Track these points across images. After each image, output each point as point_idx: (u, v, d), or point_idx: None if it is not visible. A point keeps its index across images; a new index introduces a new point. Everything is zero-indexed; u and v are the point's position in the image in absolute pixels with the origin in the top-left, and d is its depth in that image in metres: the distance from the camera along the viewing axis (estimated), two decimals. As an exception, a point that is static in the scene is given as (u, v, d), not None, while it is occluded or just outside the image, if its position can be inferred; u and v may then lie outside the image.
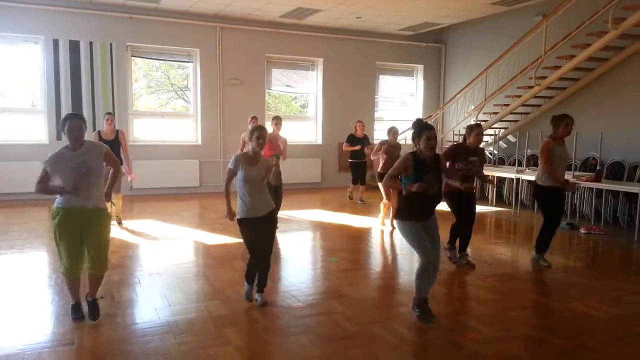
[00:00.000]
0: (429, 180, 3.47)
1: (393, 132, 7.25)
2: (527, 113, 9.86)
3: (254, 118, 7.93)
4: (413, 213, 3.59)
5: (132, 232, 6.71)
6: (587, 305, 4.17)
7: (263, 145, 3.91)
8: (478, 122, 5.59)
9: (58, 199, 3.49)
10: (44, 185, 3.47)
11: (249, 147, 4.01)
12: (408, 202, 3.62)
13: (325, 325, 3.67)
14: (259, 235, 3.96)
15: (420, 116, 12.28)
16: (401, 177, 3.64)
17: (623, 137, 8.01)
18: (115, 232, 6.57)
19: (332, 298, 4.24)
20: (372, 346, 3.32)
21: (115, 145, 6.70)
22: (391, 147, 7.16)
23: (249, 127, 7.54)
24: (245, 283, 4.09)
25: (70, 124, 3.45)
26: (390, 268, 5.52)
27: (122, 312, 3.91)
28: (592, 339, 3.53)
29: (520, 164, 8.93)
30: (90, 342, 3.35)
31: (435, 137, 3.56)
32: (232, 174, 3.95)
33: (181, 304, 4.06)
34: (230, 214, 4.04)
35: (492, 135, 10.22)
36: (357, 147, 9.13)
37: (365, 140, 9.33)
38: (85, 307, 3.69)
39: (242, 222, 3.97)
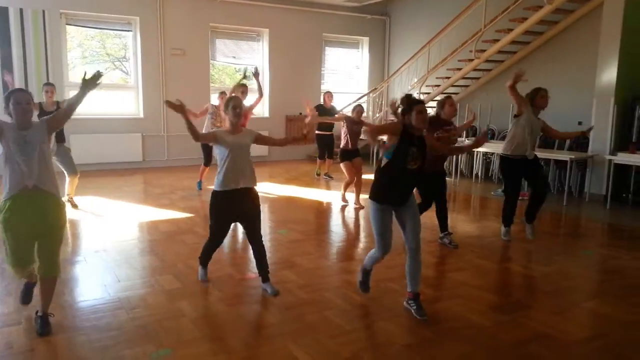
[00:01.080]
0: (414, 153, 3.27)
1: (357, 110, 6.92)
2: (467, 86, 10.22)
3: (223, 93, 7.59)
4: (386, 194, 3.35)
5: (75, 209, 6.48)
6: (521, 265, 4.50)
7: (240, 115, 3.69)
8: (448, 95, 5.54)
9: (5, 186, 2.97)
10: None
11: (225, 122, 3.74)
12: (382, 180, 3.36)
13: (279, 294, 3.76)
14: (240, 212, 3.72)
15: (366, 89, 12.45)
16: (380, 150, 3.45)
17: (554, 108, 8.36)
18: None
19: (284, 268, 4.33)
20: (325, 311, 3.45)
21: None
22: (352, 123, 6.82)
23: (217, 102, 7.43)
24: (200, 266, 3.97)
25: (25, 96, 3.03)
26: (339, 237, 5.67)
27: (69, 290, 3.83)
28: (526, 295, 3.84)
29: (459, 136, 9.28)
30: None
31: (426, 110, 3.37)
32: (212, 136, 3.70)
33: (131, 280, 4.02)
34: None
35: (433, 107, 10.50)
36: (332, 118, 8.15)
37: (334, 111, 9.22)
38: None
39: (216, 195, 3.69)
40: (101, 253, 4.70)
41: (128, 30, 10.05)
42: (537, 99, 5.08)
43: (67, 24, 9.48)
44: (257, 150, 11.13)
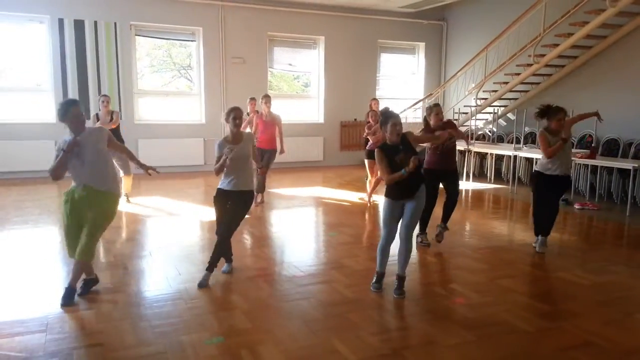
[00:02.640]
0: (401, 159, 3.70)
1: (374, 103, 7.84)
2: (526, 91, 9.99)
3: (253, 100, 7.94)
4: (391, 192, 3.86)
5: (141, 208, 6.96)
6: (574, 274, 4.42)
7: (239, 125, 4.12)
8: (436, 103, 5.69)
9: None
10: (54, 167, 3.55)
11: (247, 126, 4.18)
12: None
13: (325, 292, 3.94)
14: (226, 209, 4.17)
15: (421, 95, 12.42)
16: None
17: (619, 114, 8.15)
18: (125, 207, 6.83)
19: (332, 268, 4.50)
20: (369, 310, 3.59)
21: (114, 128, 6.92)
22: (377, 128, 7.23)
23: (247, 108, 7.76)
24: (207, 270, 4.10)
25: (76, 109, 3.58)
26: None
27: (136, 282, 4.18)
28: (576, 304, 3.78)
29: (518, 142, 9.10)
30: (107, 307, 3.61)
31: (401, 124, 3.79)
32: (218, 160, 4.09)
33: (191, 274, 4.31)
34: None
35: (491, 113, 10.36)
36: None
37: None
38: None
39: (217, 193, 4.22)
40: (165, 249, 5.06)
41: (192, 40, 10.62)
42: (553, 122, 4.95)
43: (136, 35, 10.15)
44: (312, 155, 11.47)
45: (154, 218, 6.50)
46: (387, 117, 3.80)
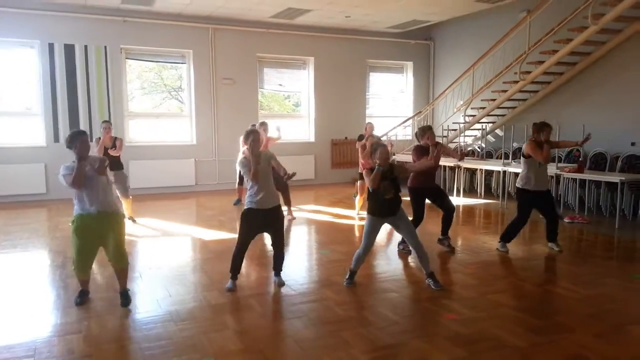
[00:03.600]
0: (386, 186, 4.19)
1: (369, 126, 7.93)
2: (514, 107, 10.13)
3: (264, 124, 8.22)
4: (374, 209, 4.33)
5: (132, 229, 6.91)
6: (564, 288, 4.44)
7: (256, 147, 4.32)
8: (429, 125, 6.07)
9: (75, 207, 3.88)
10: (74, 176, 3.74)
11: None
12: (370, 200, 4.37)
13: (317, 310, 3.92)
14: (267, 228, 4.44)
15: (410, 112, 12.55)
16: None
17: (605, 128, 8.27)
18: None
19: (323, 286, 4.49)
20: (361, 328, 3.57)
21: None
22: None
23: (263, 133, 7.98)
24: (231, 278, 4.42)
25: (84, 139, 3.84)
26: (378, 258, 5.76)
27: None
28: (567, 317, 3.79)
29: (507, 157, 9.19)
30: (96, 330, 3.57)
31: (388, 152, 4.31)
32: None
33: (181, 295, 4.29)
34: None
35: (480, 129, 10.49)
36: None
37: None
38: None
39: (248, 212, 4.34)
40: (155, 270, 5.03)
41: (182, 63, 10.70)
42: (543, 134, 5.49)
43: (127, 58, 10.22)
44: (303, 173, 11.48)
45: (144, 239, 6.46)
46: (376, 148, 4.30)
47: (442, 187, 5.99)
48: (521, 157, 5.67)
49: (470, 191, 9.97)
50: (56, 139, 9.44)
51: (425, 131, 5.54)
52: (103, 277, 4.81)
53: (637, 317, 3.92)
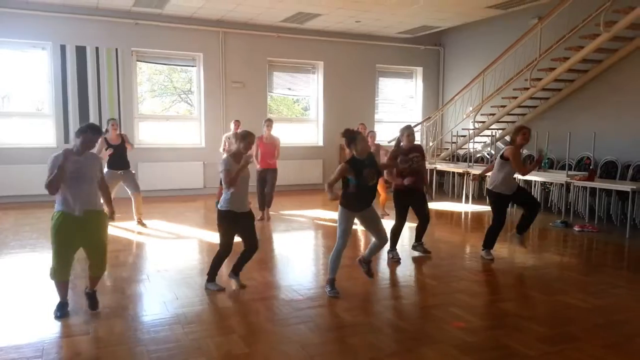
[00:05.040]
0: (368, 173, 4.14)
1: (371, 136, 7.84)
2: (524, 114, 10.07)
3: (237, 121, 8.51)
4: (350, 203, 4.29)
5: (140, 231, 6.96)
6: (574, 297, 4.39)
7: (248, 149, 4.37)
8: (408, 124, 5.93)
9: (57, 202, 3.71)
10: (51, 180, 3.59)
11: (232, 147, 4.51)
12: (349, 194, 4.28)
13: (324, 316, 3.91)
14: (245, 228, 4.43)
15: (420, 118, 12.52)
16: (347, 177, 4.24)
17: (616, 137, 8.22)
18: (123, 232, 6.82)
19: (331, 292, 4.46)
20: (368, 334, 3.55)
21: (122, 149, 7.04)
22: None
23: (232, 128, 8.35)
24: (209, 280, 4.49)
25: (94, 138, 3.78)
26: (385, 264, 5.74)
27: (133, 306, 4.15)
28: (576, 327, 3.75)
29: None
30: (104, 332, 3.58)
31: (366, 140, 4.28)
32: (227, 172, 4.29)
33: (188, 298, 4.29)
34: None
35: (489, 136, 10.43)
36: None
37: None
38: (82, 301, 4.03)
39: (226, 215, 4.32)
40: (163, 273, 5.04)
41: (192, 66, 10.76)
42: (519, 136, 5.40)
43: (137, 61, 10.29)
44: (311, 177, 11.50)
45: (152, 241, 6.48)
46: (354, 137, 4.21)
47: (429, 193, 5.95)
48: (498, 158, 5.52)
49: (480, 198, 9.91)
50: (66, 140, 9.51)
51: (404, 131, 5.46)
52: (110, 279, 4.83)
53: (648, 328, 3.87)
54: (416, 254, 5.86)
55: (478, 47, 11.35)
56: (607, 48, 8.18)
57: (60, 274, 3.76)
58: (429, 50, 12.62)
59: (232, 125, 8.51)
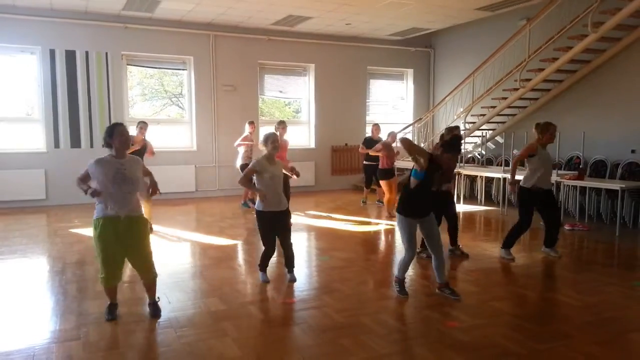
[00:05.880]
0: (438, 177, 4.12)
1: (392, 135, 8.33)
2: (514, 115, 10.14)
3: (252, 123, 8.92)
4: (411, 210, 4.14)
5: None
6: (564, 295, 4.42)
7: (277, 149, 4.58)
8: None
9: (97, 209, 3.66)
10: (81, 181, 3.59)
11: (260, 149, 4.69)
12: (409, 199, 4.18)
13: (316, 317, 3.90)
14: (280, 227, 4.64)
15: (411, 119, 12.57)
16: (412, 169, 4.13)
17: (605, 136, 8.29)
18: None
19: (323, 293, 4.47)
20: (361, 335, 3.55)
21: (141, 154, 6.82)
22: (388, 147, 8.16)
23: (249, 129, 8.62)
24: (260, 272, 4.78)
25: (121, 129, 3.66)
26: (378, 264, 5.75)
27: (125, 310, 4.10)
28: (568, 325, 3.77)
29: (507, 164, 9.18)
30: (95, 336, 3.55)
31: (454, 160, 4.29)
32: (253, 172, 4.53)
33: (180, 302, 4.27)
34: (261, 193, 4.53)
35: (480, 136, 10.49)
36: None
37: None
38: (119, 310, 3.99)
39: (263, 214, 4.55)
40: (154, 277, 4.99)
41: (183, 69, 10.73)
42: (546, 135, 5.47)
43: (127, 64, 10.24)
44: (304, 179, 11.45)
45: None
46: (455, 142, 4.21)
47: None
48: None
49: (471, 198, 9.96)
50: (56, 144, 9.45)
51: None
52: (100, 283, 4.77)
53: (637, 324, 3.91)
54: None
55: (468, 49, 11.42)
56: (595, 49, 8.26)
57: (112, 280, 3.78)
58: (419, 52, 12.68)
59: (247, 127, 9.02)
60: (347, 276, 4.99)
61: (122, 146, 3.66)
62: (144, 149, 7.07)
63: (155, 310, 3.92)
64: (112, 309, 3.89)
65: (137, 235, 3.74)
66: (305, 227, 7.77)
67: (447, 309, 4.10)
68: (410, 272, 5.17)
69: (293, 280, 4.75)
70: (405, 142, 4.15)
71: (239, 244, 6.53)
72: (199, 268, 5.42)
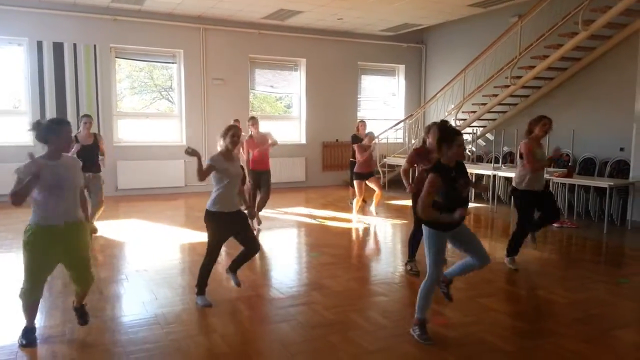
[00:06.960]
0: (462, 184, 3.33)
1: (369, 136, 7.76)
2: (504, 112, 10.18)
3: (237, 120, 7.82)
4: (441, 222, 3.34)
5: (119, 231, 6.84)
6: (553, 292, 4.44)
7: (236, 143, 4.21)
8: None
9: (32, 216, 3.20)
10: (18, 191, 3.03)
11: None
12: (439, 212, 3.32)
13: (305, 314, 3.89)
14: (240, 227, 4.13)
15: (402, 115, 12.56)
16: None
17: (594, 134, 8.34)
18: (102, 231, 6.69)
19: (312, 289, 4.45)
20: (349, 332, 3.54)
21: (93, 149, 6.29)
22: (365, 149, 7.61)
23: (250, 129, 7.53)
24: (199, 295, 4.06)
25: (69, 128, 3.27)
26: (368, 261, 5.75)
27: (111, 306, 4.07)
28: (555, 322, 3.79)
29: (497, 161, 9.22)
30: (81, 333, 3.51)
31: (463, 144, 3.38)
32: (212, 169, 4.05)
33: (168, 298, 4.23)
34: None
35: (470, 133, 10.52)
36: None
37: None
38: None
39: (216, 215, 4.01)
40: (142, 273, 4.96)
41: (172, 62, 10.62)
42: (538, 128, 5.07)
43: (116, 57, 10.12)
44: (294, 175, 11.46)
45: (131, 241, 6.38)
46: (452, 134, 3.33)
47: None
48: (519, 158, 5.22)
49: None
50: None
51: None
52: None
53: (624, 321, 3.94)
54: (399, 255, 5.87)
55: (459, 45, 11.42)
56: (585, 46, 8.30)
57: (33, 293, 3.28)
58: (411, 48, 12.66)
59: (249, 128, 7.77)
60: (336, 273, 4.97)
61: (63, 148, 3.26)
62: (94, 146, 6.30)
63: (83, 315, 3.52)
64: (30, 332, 3.34)
65: (76, 242, 3.29)
66: (295, 223, 7.74)
67: (434, 305, 4.06)
68: (396, 270, 5.18)
69: (238, 284, 4.29)
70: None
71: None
72: (187, 264, 5.37)
